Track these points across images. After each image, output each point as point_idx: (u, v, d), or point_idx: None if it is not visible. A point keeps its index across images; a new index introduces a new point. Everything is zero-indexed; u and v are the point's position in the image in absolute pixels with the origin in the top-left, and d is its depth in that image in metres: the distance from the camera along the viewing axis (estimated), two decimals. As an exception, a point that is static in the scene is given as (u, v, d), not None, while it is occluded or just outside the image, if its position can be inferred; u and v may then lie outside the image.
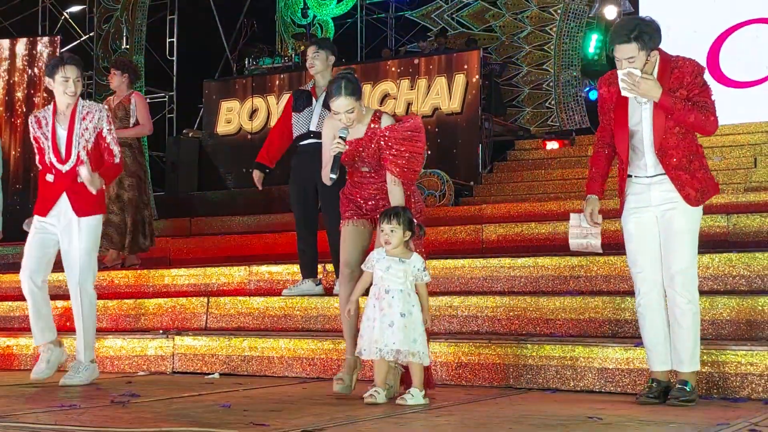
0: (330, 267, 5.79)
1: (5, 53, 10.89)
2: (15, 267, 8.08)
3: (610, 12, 12.39)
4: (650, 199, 3.80)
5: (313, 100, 5.59)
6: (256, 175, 5.91)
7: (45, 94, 10.72)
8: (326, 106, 4.99)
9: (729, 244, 5.72)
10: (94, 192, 4.46)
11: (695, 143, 3.81)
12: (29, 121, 4.63)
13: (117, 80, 6.89)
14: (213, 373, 5.19)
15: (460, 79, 10.86)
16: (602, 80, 3.96)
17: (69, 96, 4.50)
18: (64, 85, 4.48)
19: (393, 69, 11.42)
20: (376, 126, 4.00)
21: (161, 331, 5.62)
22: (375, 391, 3.76)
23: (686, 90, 3.72)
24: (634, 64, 3.69)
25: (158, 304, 6.04)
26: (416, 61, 11.35)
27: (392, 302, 3.77)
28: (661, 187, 3.77)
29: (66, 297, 4.84)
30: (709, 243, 5.48)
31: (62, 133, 4.52)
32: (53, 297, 6.67)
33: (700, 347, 3.81)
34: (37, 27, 13.86)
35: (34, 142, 4.62)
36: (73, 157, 4.50)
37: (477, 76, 10.82)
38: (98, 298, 6.30)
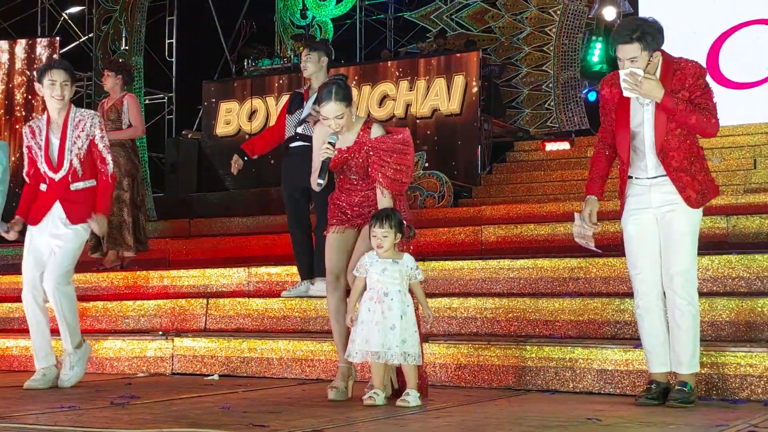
0: None
1: (4, 54, 10.89)
2: (15, 268, 8.08)
3: (609, 13, 12.40)
4: (650, 201, 3.80)
5: (305, 102, 5.59)
6: (234, 158, 5.93)
7: (43, 102, 10.73)
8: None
9: (728, 246, 5.72)
10: (99, 233, 4.66)
11: (696, 145, 3.81)
12: (24, 130, 4.63)
13: (111, 81, 6.89)
14: (212, 375, 5.19)
15: (459, 81, 10.87)
16: (604, 81, 3.96)
17: (56, 100, 4.49)
18: (51, 88, 4.49)
19: (392, 70, 11.43)
20: (366, 136, 4.00)
21: (160, 333, 5.61)
22: (374, 392, 3.76)
23: (688, 92, 3.72)
24: (637, 64, 3.69)
25: (157, 306, 6.04)
26: (416, 63, 11.36)
27: (392, 305, 3.78)
28: (661, 189, 3.77)
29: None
30: (708, 244, 5.48)
31: (55, 141, 4.52)
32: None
33: (699, 349, 3.81)
34: (36, 28, 13.86)
35: (26, 151, 4.61)
36: (66, 166, 4.50)
37: (476, 78, 10.82)
38: (97, 300, 6.36)
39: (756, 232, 5.82)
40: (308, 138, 5.06)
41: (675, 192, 3.74)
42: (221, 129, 12.28)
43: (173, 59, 14.03)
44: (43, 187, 4.56)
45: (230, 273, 6.47)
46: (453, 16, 12.89)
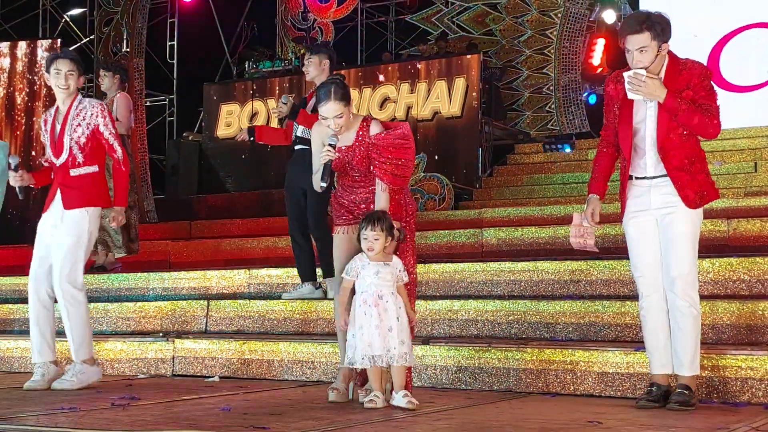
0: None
1: (6, 57, 10.90)
2: (15, 269, 8.08)
3: (609, 16, 12.41)
4: (650, 203, 3.80)
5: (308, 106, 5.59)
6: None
7: (44, 93, 10.72)
8: (315, 111, 5.00)
9: (729, 249, 5.72)
10: (116, 224, 4.62)
11: (698, 146, 3.81)
12: (39, 121, 4.71)
13: (108, 81, 6.88)
14: (213, 376, 5.19)
15: (460, 83, 10.88)
16: (609, 78, 3.97)
17: (62, 90, 4.56)
18: (56, 78, 4.55)
19: (393, 72, 11.44)
20: (365, 133, 3.99)
21: (161, 334, 5.61)
22: (375, 395, 3.76)
23: (692, 91, 3.73)
24: (646, 54, 3.69)
25: (158, 307, 6.04)
26: (417, 66, 11.37)
27: (387, 307, 3.77)
28: (660, 190, 3.77)
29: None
30: (709, 247, 5.48)
31: (58, 128, 4.59)
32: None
33: (700, 351, 3.80)
34: (38, 30, 13.87)
35: (42, 140, 4.72)
36: (65, 152, 4.54)
37: (477, 80, 10.82)
38: (98, 301, 6.35)
39: (757, 235, 5.83)
40: (308, 141, 5.08)
41: (674, 193, 3.74)
42: (222, 131, 12.29)
43: (174, 61, 14.05)
44: (52, 175, 4.64)
45: (231, 275, 6.47)
46: (454, 19, 12.90)
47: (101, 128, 4.57)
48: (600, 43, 12.54)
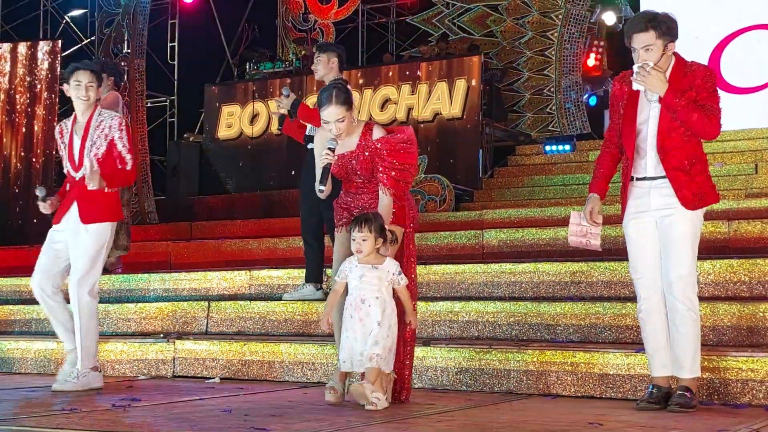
0: (329, 272, 5.79)
1: (6, 57, 10.91)
2: (16, 271, 8.09)
3: (610, 18, 12.41)
4: (650, 204, 3.80)
5: None
6: (277, 108, 5.76)
7: (45, 95, 10.73)
8: None
9: (730, 250, 5.72)
10: (90, 187, 4.43)
11: (699, 148, 3.81)
12: (56, 130, 4.72)
13: (102, 83, 6.88)
14: (214, 378, 5.19)
15: (461, 84, 10.88)
16: (615, 78, 3.98)
17: (82, 101, 4.56)
18: (76, 89, 4.56)
19: (394, 74, 11.44)
20: (368, 137, 3.97)
21: (162, 335, 5.61)
22: (375, 397, 3.75)
23: (695, 92, 3.73)
24: (652, 53, 3.69)
25: (159, 308, 6.04)
26: (418, 67, 11.37)
27: (369, 311, 3.74)
28: (660, 192, 3.77)
29: (68, 301, 4.80)
30: (710, 249, 5.48)
31: (77, 141, 4.58)
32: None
33: (700, 353, 3.80)
34: (38, 31, 13.88)
35: (59, 151, 4.72)
36: (85, 165, 4.53)
37: (478, 82, 10.83)
38: (99, 302, 6.34)
39: (758, 237, 5.82)
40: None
41: (673, 195, 3.74)
42: (223, 132, 12.29)
43: (175, 62, 14.06)
44: (68, 186, 4.64)
45: (231, 276, 6.48)
46: (455, 20, 12.91)
47: (116, 140, 4.56)
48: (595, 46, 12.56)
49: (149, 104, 13.67)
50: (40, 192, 4.54)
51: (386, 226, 3.82)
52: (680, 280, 3.72)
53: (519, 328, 4.91)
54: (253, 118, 12.09)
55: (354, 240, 3.76)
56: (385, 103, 11.29)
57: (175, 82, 14.12)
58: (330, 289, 5.31)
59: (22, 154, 10.67)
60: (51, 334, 6.09)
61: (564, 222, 6.93)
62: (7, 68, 10.89)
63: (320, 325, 4.04)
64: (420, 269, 5.75)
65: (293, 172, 10.64)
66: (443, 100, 10.95)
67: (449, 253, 6.80)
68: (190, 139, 13.13)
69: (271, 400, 4.21)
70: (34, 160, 10.62)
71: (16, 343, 5.88)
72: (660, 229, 3.79)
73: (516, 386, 4.43)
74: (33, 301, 6.79)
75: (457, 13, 12.89)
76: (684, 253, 3.73)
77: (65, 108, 11.18)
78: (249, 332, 5.68)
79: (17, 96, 10.80)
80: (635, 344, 4.39)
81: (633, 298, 4.69)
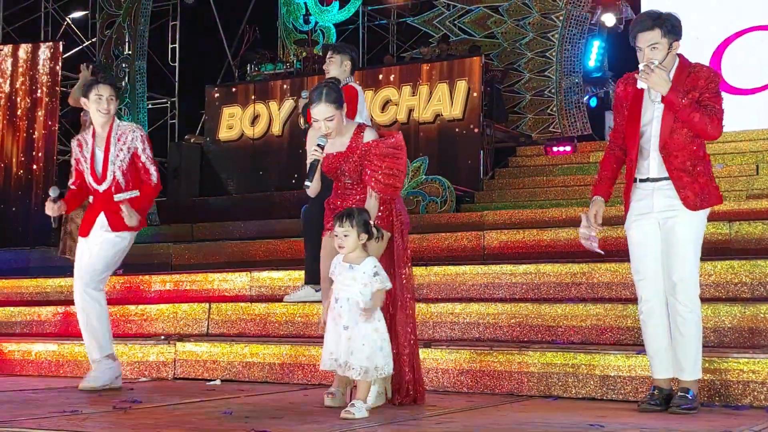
0: None
1: (7, 58, 10.91)
2: (18, 272, 8.10)
3: (609, 19, 12.42)
4: (652, 206, 3.80)
5: None
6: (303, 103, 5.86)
7: (46, 97, 10.73)
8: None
9: (731, 252, 5.72)
10: (133, 224, 4.59)
11: (702, 150, 3.81)
12: (72, 143, 4.80)
13: None
14: (214, 380, 5.18)
15: (461, 86, 10.88)
16: (620, 80, 3.98)
17: (102, 114, 4.64)
18: (97, 103, 4.63)
19: (395, 75, 11.44)
20: (359, 140, 3.97)
21: (163, 337, 5.61)
22: (351, 404, 3.60)
23: (698, 92, 3.73)
24: (658, 51, 3.70)
25: (160, 310, 6.04)
26: (418, 68, 11.37)
27: (341, 312, 3.61)
28: (663, 193, 3.77)
29: (69, 302, 4.84)
30: (711, 250, 5.47)
31: (99, 154, 4.66)
32: (56, 302, 6.72)
33: (702, 355, 3.80)
34: (40, 33, 13.90)
35: (74, 163, 4.78)
36: (109, 178, 4.62)
37: (479, 83, 10.83)
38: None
39: (759, 238, 5.82)
40: None
41: (676, 197, 3.74)
42: (224, 134, 12.30)
43: (176, 64, 14.07)
44: (90, 198, 4.72)
45: (232, 277, 6.47)
46: (455, 22, 12.91)
47: (139, 152, 4.66)
48: (595, 45, 12.56)
49: (150, 106, 13.69)
50: (53, 192, 4.63)
51: (372, 222, 3.70)
52: (682, 281, 3.72)
53: (520, 330, 4.91)
54: (254, 119, 12.10)
55: (336, 235, 3.66)
56: (386, 104, 11.29)
57: (176, 84, 14.13)
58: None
59: (23, 156, 10.68)
60: (52, 336, 6.10)
61: (565, 223, 6.95)
62: (8, 70, 10.90)
63: (318, 330, 4.03)
64: (421, 270, 5.76)
65: (296, 176, 10.65)
66: (444, 101, 10.96)
67: (450, 254, 6.80)
68: (191, 140, 13.14)
69: (272, 402, 4.21)
70: (34, 162, 10.63)
71: (17, 344, 5.87)
72: (663, 231, 3.78)
73: (517, 388, 4.43)
74: (34, 303, 6.83)
75: (458, 14, 12.89)
76: (687, 255, 3.73)
77: (66, 110, 11.20)
78: (250, 334, 5.68)
79: (18, 98, 10.81)
80: (636, 346, 4.39)
81: (634, 300, 4.69)
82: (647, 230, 3.81)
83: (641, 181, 3.83)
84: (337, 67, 5.46)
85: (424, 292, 5.69)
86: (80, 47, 14.00)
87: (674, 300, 3.74)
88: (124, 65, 13.06)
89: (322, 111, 3.90)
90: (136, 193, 4.66)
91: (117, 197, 4.60)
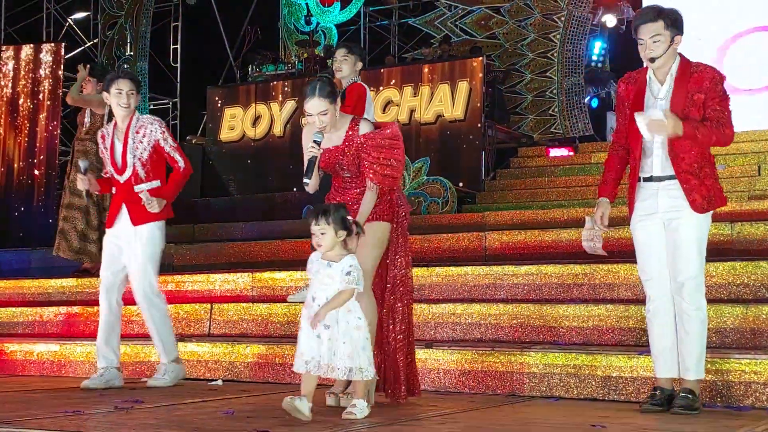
0: None
1: (9, 60, 10.93)
2: (20, 273, 8.10)
3: (611, 20, 12.43)
4: (657, 206, 3.80)
5: None
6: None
7: (48, 98, 10.74)
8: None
9: (733, 252, 5.71)
10: (155, 211, 4.68)
11: (707, 151, 3.82)
12: (97, 136, 4.90)
13: (90, 87, 6.95)
14: (216, 380, 5.19)
15: (463, 87, 10.88)
16: (621, 79, 3.98)
17: (123, 108, 4.73)
18: (117, 97, 4.73)
19: (396, 76, 11.45)
20: (354, 133, 3.96)
21: (164, 338, 5.60)
22: (352, 405, 3.55)
23: (704, 94, 3.73)
24: (660, 44, 3.70)
25: (161, 311, 6.03)
26: (420, 69, 11.37)
27: (319, 312, 3.47)
28: (668, 193, 3.77)
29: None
30: (713, 251, 5.45)
31: (119, 146, 4.75)
32: (58, 303, 6.72)
33: (705, 355, 3.80)
34: (42, 33, 13.91)
35: (101, 156, 4.89)
36: (129, 169, 4.71)
37: (480, 84, 10.83)
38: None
39: (761, 239, 5.81)
40: None
41: (681, 197, 3.74)
42: (225, 134, 12.30)
43: (178, 65, 14.09)
44: (113, 190, 4.80)
45: (234, 278, 6.48)
46: (457, 23, 12.92)
47: (161, 143, 4.75)
48: (597, 45, 12.57)
49: (152, 106, 13.71)
50: (82, 164, 4.77)
51: (350, 218, 3.57)
52: (688, 282, 3.72)
53: (522, 331, 4.91)
54: (256, 120, 12.10)
55: (313, 233, 3.56)
56: (388, 105, 11.29)
57: (178, 85, 14.15)
58: None
59: (25, 157, 10.68)
60: (54, 336, 6.11)
61: (566, 224, 6.95)
62: (11, 71, 10.91)
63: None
64: (422, 271, 5.76)
65: (297, 176, 10.63)
66: (445, 102, 10.95)
67: (451, 255, 6.80)
68: (193, 141, 13.14)
69: (273, 402, 4.20)
70: (36, 163, 10.64)
71: (19, 345, 5.88)
72: (668, 232, 3.79)
73: (519, 388, 4.43)
74: (36, 303, 6.83)
75: (460, 15, 12.90)
76: (692, 255, 3.73)
77: (68, 110, 11.21)
78: (251, 334, 5.68)
79: (20, 99, 10.82)
80: (638, 346, 4.39)
81: (636, 301, 4.69)
82: (652, 231, 3.81)
83: (645, 180, 3.83)
84: (350, 66, 5.47)
85: (425, 292, 5.69)
86: (82, 48, 14.02)
87: (680, 300, 3.75)
88: (125, 66, 13.07)
89: (315, 105, 3.89)
90: (157, 183, 4.75)
91: (137, 188, 4.69)
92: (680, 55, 3.82)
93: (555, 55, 12.25)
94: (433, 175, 9.44)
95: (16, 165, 10.68)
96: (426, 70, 11.30)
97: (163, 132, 4.76)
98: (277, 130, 11.89)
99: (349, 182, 4.02)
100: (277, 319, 5.66)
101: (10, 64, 10.90)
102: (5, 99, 10.84)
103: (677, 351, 3.79)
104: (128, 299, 6.64)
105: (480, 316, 5.04)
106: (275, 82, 12.28)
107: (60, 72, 10.89)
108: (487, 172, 10.79)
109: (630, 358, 4.21)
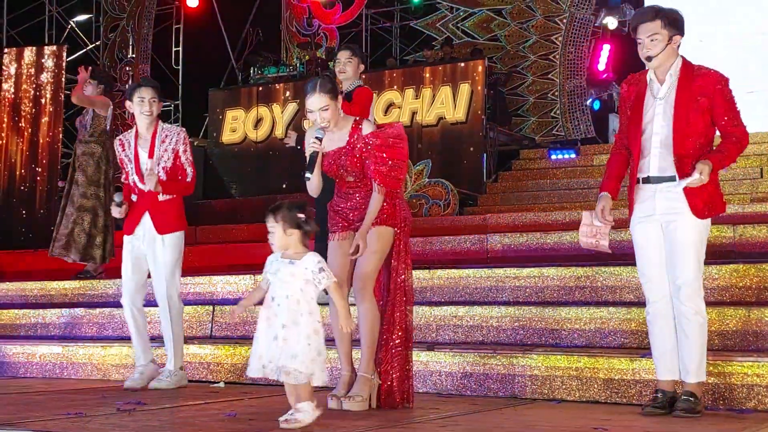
0: None
1: (12, 62, 10.94)
2: (21, 275, 8.10)
3: (612, 22, 12.42)
4: (655, 208, 3.80)
5: None
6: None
7: (50, 100, 10.75)
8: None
9: (735, 255, 5.71)
10: (148, 188, 4.68)
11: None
12: (115, 143, 4.93)
13: (91, 89, 6.96)
14: (218, 382, 5.19)
15: (464, 89, 10.88)
16: (625, 81, 3.98)
17: (145, 115, 4.76)
18: (140, 105, 4.76)
19: (398, 78, 11.45)
20: (358, 133, 3.95)
21: (166, 340, 5.60)
22: (290, 413, 3.35)
23: (708, 99, 3.73)
24: (657, 43, 3.71)
25: (163, 313, 6.03)
26: (421, 71, 11.38)
27: (278, 311, 3.30)
28: (666, 195, 3.77)
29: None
30: (715, 254, 5.46)
31: (143, 155, 4.78)
32: (61, 305, 6.71)
33: (706, 358, 3.80)
34: (44, 36, 13.93)
35: (119, 163, 4.93)
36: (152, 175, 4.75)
37: (482, 86, 10.83)
38: (104, 306, 6.36)
39: (763, 242, 5.81)
40: None
41: (679, 199, 3.73)
42: (227, 136, 12.31)
43: (180, 67, 14.10)
44: (133, 197, 4.83)
45: (236, 280, 6.48)
46: (459, 25, 12.93)
47: (180, 153, 4.80)
48: (606, 49, 12.55)
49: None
50: (117, 197, 4.81)
51: (301, 215, 3.39)
52: (687, 285, 3.71)
53: (523, 333, 4.90)
54: (258, 122, 12.11)
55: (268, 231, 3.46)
56: (389, 107, 11.30)
57: (180, 87, 14.16)
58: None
59: (27, 159, 10.69)
60: (56, 338, 6.11)
61: (568, 226, 6.94)
62: (13, 74, 10.93)
63: (334, 329, 4.03)
64: (424, 273, 5.76)
65: (300, 177, 10.63)
66: (447, 104, 10.96)
67: (453, 257, 6.80)
68: (195, 143, 13.14)
69: (275, 404, 4.20)
70: (39, 166, 10.65)
71: (21, 347, 5.88)
72: (666, 234, 3.78)
73: (520, 391, 4.42)
74: (39, 305, 6.83)
75: (461, 17, 12.91)
76: (690, 258, 3.72)
77: (70, 112, 11.22)
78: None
79: (22, 101, 10.83)
80: (640, 349, 4.39)
81: (638, 303, 4.69)
82: (650, 234, 3.81)
83: (643, 181, 3.83)
84: (354, 68, 5.48)
85: (427, 295, 5.69)
86: (84, 50, 14.03)
87: (679, 303, 3.74)
88: (127, 68, 13.09)
89: (316, 101, 3.88)
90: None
91: (161, 197, 4.74)
92: (682, 57, 3.82)
93: (557, 57, 12.25)
94: (434, 178, 9.44)
95: (18, 167, 10.69)
96: (428, 72, 11.30)
97: (185, 143, 4.82)
98: (279, 132, 11.90)
99: (353, 187, 4.00)
100: (279, 321, 5.65)
101: (13, 67, 10.91)
102: (7, 102, 10.86)
103: (678, 353, 3.79)
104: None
105: (482, 318, 5.04)
106: (277, 85, 12.30)
107: (62, 75, 10.91)
108: (488, 174, 10.79)
109: (632, 361, 4.20)
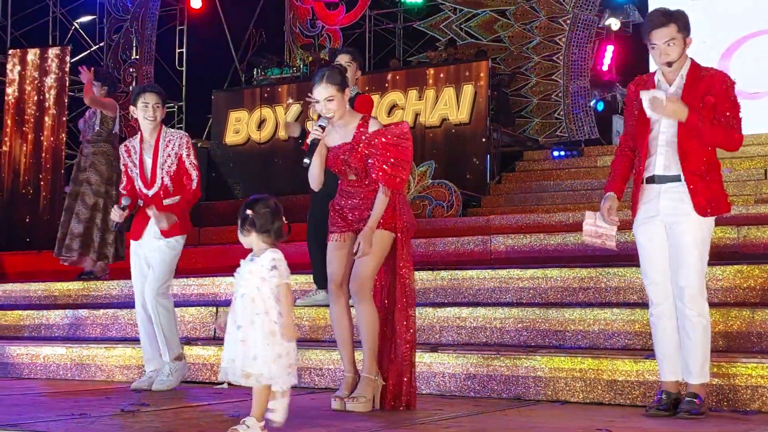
0: None
1: (16, 63, 10.96)
2: (25, 276, 8.12)
3: (615, 24, 12.42)
4: (659, 208, 3.79)
5: None
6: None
7: (54, 101, 10.77)
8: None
9: (739, 256, 5.70)
10: (164, 228, 4.73)
11: (714, 155, 3.82)
12: (120, 149, 4.95)
13: (96, 90, 7.01)
14: (222, 383, 5.18)
15: (468, 90, 10.88)
16: (631, 82, 3.98)
17: (149, 121, 4.78)
18: (144, 110, 4.77)
19: (401, 79, 11.45)
20: (364, 130, 3.93)
21: (170, 341, 5.61)
22: (242, 422, 3.15)
23: (714, 97, 3.73)
24: (675, 47, 3.70)
25: (167, 314, 6.04)
26: (425, 72, 11.38)
27: (236, 309, 3.16)
28: (671, 196, 3.76)
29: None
30: (719, 255, 5.45)
31: (148, 160, 4.81)
32: (64, 306, 6.73)
33: (710, 359, 3.79)
34: (48, 37, 13.95)
35: (123, 168, 4.93)
36: (158, 183, 4.78)
37: (485, 87, 10.83)
38: (108, 307, 6.38)
39: (767, 243, 5.80)
40: None
41: (683, 200, 3.73)
42: (230, 138, 12.32)
43: (183, 68, 14.10)
44: (140, 202, 4.86)
45: (239, 281, 6.47)
46: (462, 26, 12.92)
47: (184, 157, 4.81)
48: (609, 50, 12.54)
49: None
50: (125, 201, 4.79)
51: (248, 212, 3.35)
52: (690, 286, 3.71)
53: (527, 334, 4.90)
54: (261, 123, 12.11)
55: None
56: (392, 108, 11.30)
57: (183, 88, 14.16)
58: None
59: (31, 160, 10.71)
60: (60, 339, 6.12)
61: (572, 227, 6.93)
62: (17, 75, 10.95)
63: (335, 331, 4.04)
64: (427, 275, 5.75)
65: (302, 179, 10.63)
66: (450, 105, 10.95)
67: (457, 258, 6.80)
68: (198, 144, 13.16)
69: (279, 405, 4.20)
70: (42, 167, 10.66)
71: (25, 348, 5.89)
72: (669, 235, 3.78)
73: (524, 392, 4.42)
74: (42, 306, 6.84)
75: (465, 18, 12.91)
76: (693, 260, 3.72)
77: (74, 114, 11.24)
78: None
79: (26, 102, 10.85)
80: (644, 350, 4.38)
81: (642, 304, 4.68)
82: (653, 235, 3.81)
83: (648, 181, 3.83)
84: (352, 72, 5.49)
85: (430, 296, 5.68)
86: (88, 52, 14.05)
87: (682, 304, 3.74)
88: (131, 70, 13.11)
89: (322, 91, 3.89)
90: (178, 198, 4.81)
91: (166, 202, 4.76)
92: (691, 58, 3.83)
93: (560, 58, 12.24)
94: (438, 179, 9.44)
95: (22, 169, 10.71)
96: (431, 73, 11.30)
97: (189, 148, 4.83)
98: (282, 133, 11.89)
99: (355, 186, 4.00)
100: (282, 322, 5.65)
101: (17, 69, 10.93)
102: (11, 102, 10.88)
103: (681, 354, 3.78)
104: (133, 304, 6.65)
105: (485, 319, 5.03)
106: (280, 86, 12.30)
107: (66, 76, 10.93)
108: (492, 175, 10.78)
109: (636, 362, 4.20)
